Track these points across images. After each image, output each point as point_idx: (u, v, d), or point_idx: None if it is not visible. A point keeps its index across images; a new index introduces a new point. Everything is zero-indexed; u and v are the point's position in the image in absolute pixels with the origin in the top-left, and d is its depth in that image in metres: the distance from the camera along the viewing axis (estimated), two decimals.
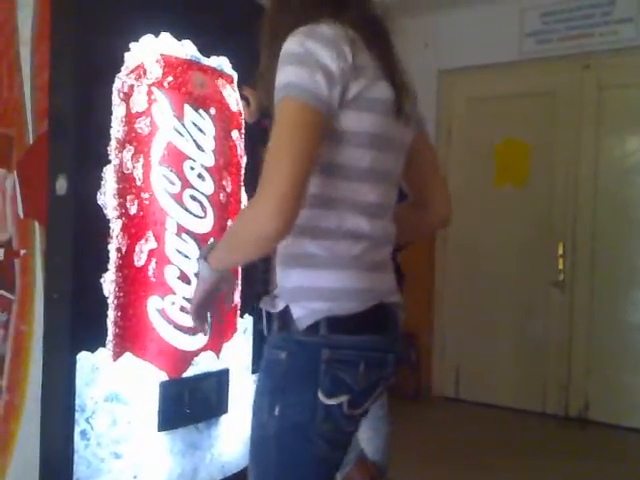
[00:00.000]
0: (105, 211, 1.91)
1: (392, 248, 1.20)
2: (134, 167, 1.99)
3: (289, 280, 1.12)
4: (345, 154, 1.05)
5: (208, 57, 2.25)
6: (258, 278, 2.60)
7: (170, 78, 2.09)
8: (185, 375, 2.12)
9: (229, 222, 2.36)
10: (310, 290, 1.09)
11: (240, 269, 2.46)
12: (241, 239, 1.08)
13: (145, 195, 2.00)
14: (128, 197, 1.97)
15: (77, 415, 1.84)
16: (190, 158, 2.11)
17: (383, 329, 1.13)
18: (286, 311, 1.11)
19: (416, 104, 1.23)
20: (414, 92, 1.22)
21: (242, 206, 2.46)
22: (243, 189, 2.47)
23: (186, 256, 2.13)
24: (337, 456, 1.12)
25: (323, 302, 1.08)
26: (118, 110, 1.96)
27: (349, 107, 1.03)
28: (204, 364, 2.19)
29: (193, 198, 2.12)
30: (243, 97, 2.42)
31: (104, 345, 1.90)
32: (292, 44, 1.03)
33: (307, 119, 0.98)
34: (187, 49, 2.15)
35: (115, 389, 1.90)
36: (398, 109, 1.08)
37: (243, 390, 2.42)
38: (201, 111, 2.19)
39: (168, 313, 2.06)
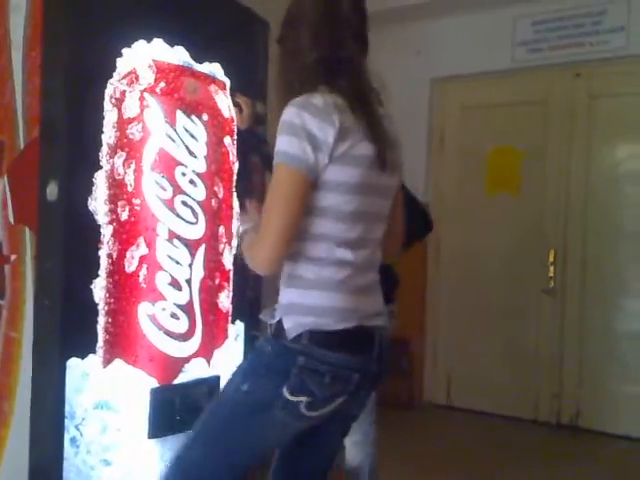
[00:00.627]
0: (96, 217, 1.90)
1: (377, 273, 1.41)
2: (125, 173, 1.99)
3: (285, 297, 1.37)
4: (332, 199, 1.29)
5: (200, 63, 2.25)
6: (249, 284, 2.59)
7: (162, 84, 2.09)
8: (176, 382, 2.11)
9: (220, 228, 2.36)
10: (299, 306, 1.32)
11: (231, 276, 2.45)
12: (249, 261, 1.38)
13: (136, 201, 1.99)
14: (119, 203, 1.96)
15: (67, 422, 1.83)
16: (182, 164, 2.10)
17: (356, 350, 1.32)
18: (280, 322, 1.34)
19: (400, 154, 1.45)
20: (398, 143, 1.44)
21: (234, 212, 2.46)
22: (235, 195, 2.47)
23: (177, 262, 2.12)
24: (276, 438, 1.38)
25: (308, 317, 1.30)
26: (110, 116, 1.96)
27: (336, 163, 1.26)
28: (195, 371, 2.18)
29: (185, 204, 2.11)
30: (235, 104, 2.42)
31: (94, 351, 1.89)
32: (288, 114, 1.27)
33: (295, 183, 1.25)
34: (179, 55, 2.15)
35: (105, 396, 1.89)
36: (382, 162, 1.31)
37: None
38: (193, 117, 2.19)
39: (159, 319, 2.05)
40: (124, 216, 1.97)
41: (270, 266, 1.31)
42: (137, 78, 2.03)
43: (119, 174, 1.97)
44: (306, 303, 1.32)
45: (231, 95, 2.41)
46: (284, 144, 1.24)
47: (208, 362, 2.29)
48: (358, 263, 1.33)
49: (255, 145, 2.47)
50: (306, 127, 1.23)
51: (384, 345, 1.38)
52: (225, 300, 2.41)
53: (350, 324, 1.30)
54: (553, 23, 4.10)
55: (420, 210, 2.42)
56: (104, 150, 1.93)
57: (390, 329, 2.43)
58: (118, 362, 1.94)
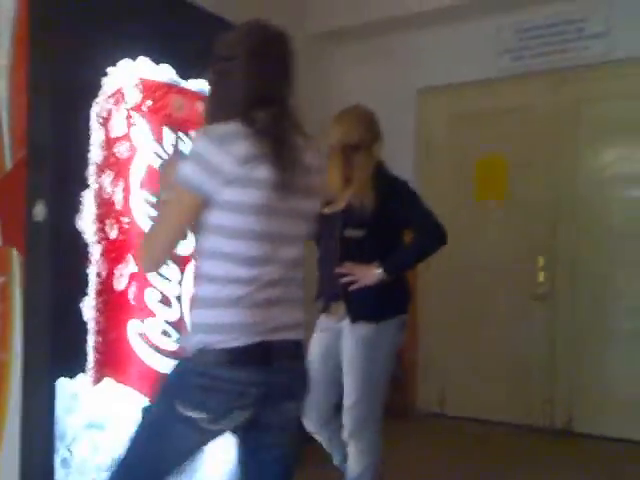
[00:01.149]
0: (84, 236, 1.90)
1: (289, 289, 1.47)
2: (114, 191, 1.99)
3: (191, 318, 1.48)
4: (233, 220, 1.38)
5: (187, 80, 2.26)
6: None
7: (149, 102, 2.09)
8: None
9: None
10: (201, 325, 1.41)
11: None
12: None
13: (125, 219, 2.00)
14: (108, 221, 1.97)
15: (57, 443, 1.82)
16: None
17: (254, 365, 1.39)
18: (186, 342, 1.46)
19: (321, 180, 1.57)
20: (318, 170, 1.54)
21: None
22: None
23: (167, 278, 2.12)
24: (185, 451, 1.44)
25: (207, 335, 1.38)
26: (97, 135, 1.96)
27: (236, 186, 1.35)
28: None
29: None
30: None
31: (84, 371, 1.89)
32: (194, 141, 1.45)
33: (186, 206, 1.39)
34: (165, 73, 2.16)
35: (96, 415, 1.89)
36: (285, 186, 1.39)
37: None
38: (180, 133, 2.20)
39: (149, 336, 2.05)
40: (113, 234, 1.98)
41: (146, 268, 1.53)
42: (123, 97, 2.04)
43: (107, 193, 1.97)
44: (206, 322, 1.41)
45: None
46: (184, 168, 1.38)
47: None
48: (262, 280, 1.40)
49: None
50: (204, 154, 1.36)
51: (293, 356, 1.47)
52: None
53: (248, 340, 1.37)
54: (536, 31, 4.14)
55: (432, 223, 2.43)
56: (92, 169, 1.94)
57: (402, 337, 2.50)
58: (108, 381, 1.94)
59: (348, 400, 2.44)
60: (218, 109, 1.50)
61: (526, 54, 4.18)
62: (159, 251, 1.44)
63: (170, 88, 2.17)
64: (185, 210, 1.40)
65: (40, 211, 1.88)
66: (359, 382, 2.41)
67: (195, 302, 1.45)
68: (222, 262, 1.39)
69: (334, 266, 2.42)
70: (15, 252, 1.95)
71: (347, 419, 2.45)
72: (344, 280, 2.39)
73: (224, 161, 1.35)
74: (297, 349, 1.50)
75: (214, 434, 1.42)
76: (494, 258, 4.28)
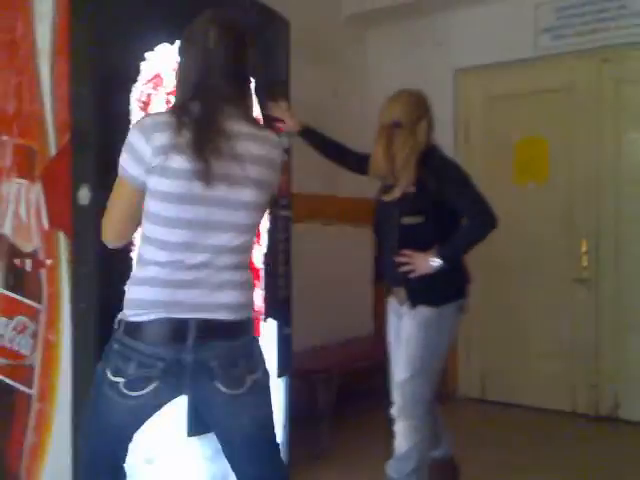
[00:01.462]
0: None
1: (219, 272, 1.54)
2: None
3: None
4: (155, 206, 1.48)
5: None
6: (280, 283, 2.60)
7: None
8: None
9: None
10: (126, 300, 1.54)
11: (264, 275, 2.46)
12: None
13: None
14: None
15: None
16: None
17: (160, 340, 1.49)
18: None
19: (259, 170, 1.56)
20: (267, 160, 1.58)
21: None
22: None
23: None
24: (116, 417, 1.56)
25: (127, 309, 1.52)
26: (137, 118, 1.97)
27: (155, 174, 1.45)
28: None
29: None
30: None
31: None
32: (130, 130, 1.52)
33: (122, 189, 1.53)
34: None
35: None
36: (204, 176, 1.45)
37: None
38: None
39: None
40: None
41: (106, 243, 1.63)
42: (162, 81, 2.05)
43: None
44: (128, 297, 1.54)
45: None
46: (121, 156, 1.51)
47: None
48: (181, 264, 1.49)
49: None
50: (133, 143, 1.48)
51: (206, 336, 1.51)
52: (257, 298, 2.41)
53: (158, 316, 1.48)
54: (576, 9, 4.03)
55: (481, 208, 2.46)
56: None
57: (459, 320, 2.58)
58: None
59: (401, 375, 2.48)
60: (176, 96, 1.62)
61: (566, 33, 4.08)
62: (110, 232, 1.59)
63: None
64: (123, 195, 1.53)
65: (85, 195, 1.91)
66: (416, 359, 2.45)
67: (129, 279, 1.58)
68: (148, 246, 1.52)
69: (393, 253, 2.47)
70: (62, 235, 1.99)
71: (397, 395, 2.49)
72: (403, 269, 2.44)
73: (145, 150, 1.45)
74: (227, 329, 1.55)
75: (134, 400, 1.50)
76: (535, 242, 4.21)
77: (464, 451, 2.89)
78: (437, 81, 4.28)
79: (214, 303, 1.53)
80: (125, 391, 1.49)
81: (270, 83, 2.53)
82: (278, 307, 2.57)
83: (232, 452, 1.66)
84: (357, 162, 2.73)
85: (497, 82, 4.39)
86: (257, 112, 1.72)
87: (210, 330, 1.52)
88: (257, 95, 2.42)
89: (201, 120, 1.49)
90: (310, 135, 2.73)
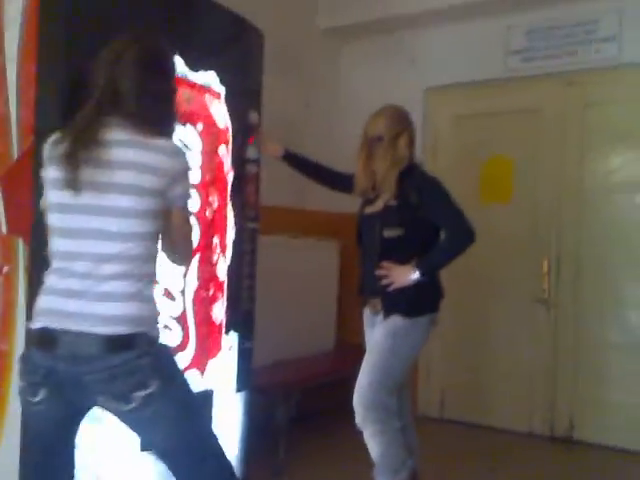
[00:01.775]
0: None
1: (94, 282, 1.52)
2: None
3: None
4: (48, 217, 1.57)
5: (196, 72, 2.25)
6: (243, 295, 2.58)
7: None
8: None
9: (215, 238, 2.35)
10: None
11: (226, 287, 2.44)
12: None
13: None
14: None
15: None
16: None
17: (39, 347, 1.52)
18: None
19: (136, 175, 1.53)
20: (143, 166, 1.53)
21: (227, 222, 2.45)
22: (229, 205, 2.46)
23: (171, 273, 2.10)
24: (32, 424, 1.61)
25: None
26: None
27: (45, 186, 1.56)
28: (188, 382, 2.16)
29: None
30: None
31: None
32: None
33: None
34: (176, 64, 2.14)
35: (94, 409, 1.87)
36: (70, 184, 1.49)
37: (226, 408, 2.39)
38: (188, 126, 2.18)
39: None
40: None
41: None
42: None
43: None
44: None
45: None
46: None
47: (202, 373, 2.28)
48: (65, 272, 1.52)
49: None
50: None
51: (75, 348, 1.49)
52: (219, 311, 2.39)
53: (39, 324, 1.52)
54: (546, 32, 4.12)
55: (461, 223, 2.52)
56: None
57: (429, 334, 2.59)
58: None
59: (363, 380, 2.50)
60: None
61: (535, 55, 4.16)
62: None
63: (179, 81, 2.14)
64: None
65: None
66: (378, 366, 2.48)
67: None
68: (51, 257, 1.57)
69: (374, 264, 2.51)
70: (20, 242, 1.94)
71: (358, 403, 2.50)
72: (383, 282, 2.48)
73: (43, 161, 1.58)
74: (102, 343, 1.48)
75: (40, 409, 1.54)
76: (498, 261, 4.25)
77: (420, 469, 2.89)
78: (407, 98, 4.26)
79: (91, 314, 1.49)
80: (26, 396, 1.54)
81: (241, 92, 2.52)
82: (240, 320, 2.55)
83: (166, 465, 1.62)
84: (340, 182, 2.81)
85: (466, 101, 4.45)
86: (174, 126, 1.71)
87: (81, 343, 1.48)
88: (229, 106, 2.41)
89: (75, 130, 1.54)
90: (292, 159, 2.79)
